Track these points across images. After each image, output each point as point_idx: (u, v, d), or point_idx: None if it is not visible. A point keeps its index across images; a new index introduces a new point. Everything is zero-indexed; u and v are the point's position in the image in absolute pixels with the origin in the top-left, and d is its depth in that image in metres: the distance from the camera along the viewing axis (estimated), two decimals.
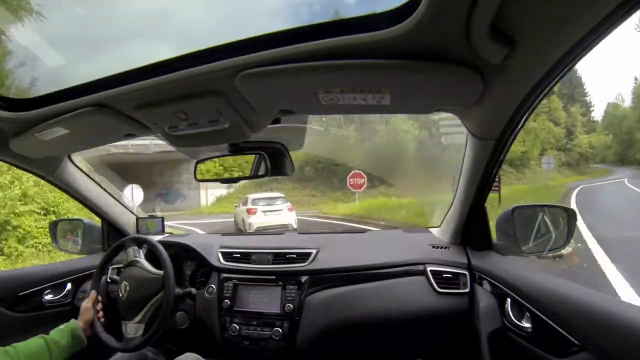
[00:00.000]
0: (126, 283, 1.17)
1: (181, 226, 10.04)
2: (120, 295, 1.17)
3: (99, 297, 1.18)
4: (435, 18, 0.46)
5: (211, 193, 17.61)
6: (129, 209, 1.59)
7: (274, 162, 1.05)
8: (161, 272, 1.16)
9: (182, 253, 1.38)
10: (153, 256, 1.22)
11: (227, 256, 1.33)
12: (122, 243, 1.27)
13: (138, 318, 1.12)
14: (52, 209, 7.08)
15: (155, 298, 1.13)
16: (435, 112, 0.76)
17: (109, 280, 1.38)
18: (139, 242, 1.27)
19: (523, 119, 0.76)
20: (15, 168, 1.11)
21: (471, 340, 1.02)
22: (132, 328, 1.12)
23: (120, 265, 1.29)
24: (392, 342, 1.18)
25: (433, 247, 1.25)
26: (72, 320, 1.08)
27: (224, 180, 1.26)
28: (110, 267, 1.39)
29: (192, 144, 0.89)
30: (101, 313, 1.17)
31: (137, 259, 1.21)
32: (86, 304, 1.14)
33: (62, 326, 1.05)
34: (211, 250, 1.36)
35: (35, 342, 0.96)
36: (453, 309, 1.10)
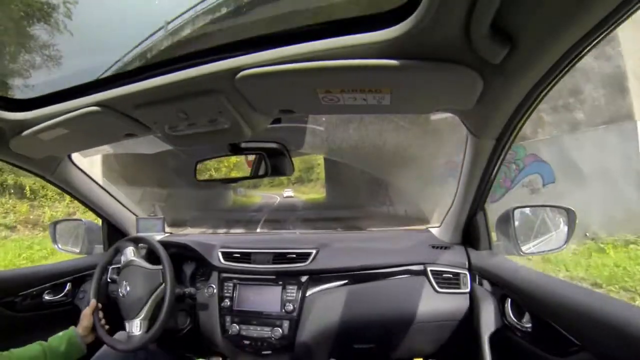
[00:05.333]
0: (126, 282, 1.18)
1: None
2: (121, 294, 1.17)
3: (99, 305, 1.17)
4: (435, 18, 0.46)
5: None
6: (129, 209, 1.59)
7: (274, 162, 1.05)
8: (160, 266, 1.16)
9: (182, 253, 1.38)
10: (152, 255, 1.22)
11: (227, 256, 1.33)
12: (120, 244, 1.27)
13: (141, 315, 1.13)
14: None
15: (156, 293, 1.14)
16: (435, 112, 0.76)
17: (109, 280, 1.38)
18: (138, 242, 1.27)
19: (523, 119, 0.76)
20: None
21: (471, 340, 1.02)
22: (136, 325, 1.13)
23: (119, 265, 1.29)
24: (391, 342, 1.18)
25: (433, 247, 1.25)
26: (72, 328, 1.08)
27: (224, 180, 1.27)
28: (110, 267, 1.39)
29: (192, 144, 0.89)
30: (103, 320, 1.16)
31: (135, 258, 1.22)
32: (86, 311, 1.13)
33: (60, 333, 1.04)
34: (211, 250, 1.36)
35: (32, 348, 0.95)
36: (453, 309, 1.11)
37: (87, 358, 1.23)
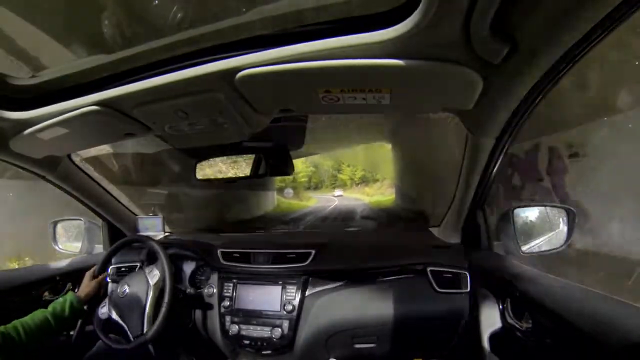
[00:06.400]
0: (127, 285, 1.17)
1: None
2: (119, 294, 1.17)
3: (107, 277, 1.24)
4: (434, 18, 0.46)
5: None
6: (129, 209, 1.59)
7: (274, 162, 1.05)
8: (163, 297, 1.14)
9: (182, 252, 1.38)
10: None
11: (227, 256, 1.33)
12: (160, 253, 1.22)
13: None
14: None
15: (134, 333, 1.13)
16: (434, 111, 0.76)
17: (108, 280, 1.38)
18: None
19: (523, 118, 0.76)
20: None
21: (471, 340, 1.02)
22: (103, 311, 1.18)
23: (121, 265, 1.28)
24: (391, 341, 1.18)
25: (433, 247, 1.25)
26: (70, 292, 1.12)
27: (224, 180, 1.26)
28: (110, 267, 1.39)
29: (192, 144, 0.90)
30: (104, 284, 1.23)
31: (150, 282, 1.17)
32: (92, 280, 1.19)
33: (60, 299, 1.08)
34: (211, 250, 1.36)
35: (36, 316, 0.99)
36: (453, 309, 1.11)
37: (80, 355, 1.24)
